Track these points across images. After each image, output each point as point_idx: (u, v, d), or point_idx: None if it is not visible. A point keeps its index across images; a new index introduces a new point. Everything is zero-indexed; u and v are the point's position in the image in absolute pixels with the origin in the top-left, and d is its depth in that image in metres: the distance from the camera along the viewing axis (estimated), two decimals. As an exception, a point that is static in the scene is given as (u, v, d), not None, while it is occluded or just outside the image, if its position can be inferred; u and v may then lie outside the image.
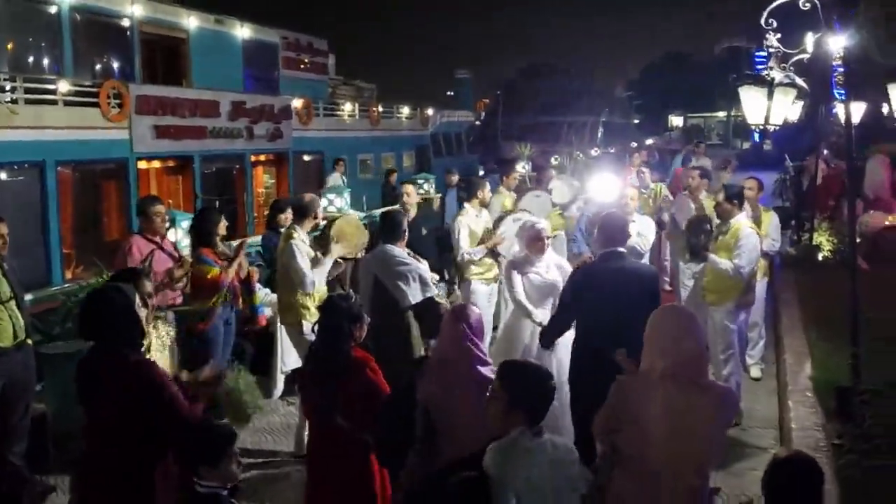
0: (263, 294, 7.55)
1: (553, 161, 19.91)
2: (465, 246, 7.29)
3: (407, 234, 5.74)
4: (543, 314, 5.59)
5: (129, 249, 6.25)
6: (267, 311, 7.38)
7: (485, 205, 7.89)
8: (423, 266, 5.58)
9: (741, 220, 6.20)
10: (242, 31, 18.61)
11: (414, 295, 5.30)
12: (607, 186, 8.04)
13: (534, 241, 5.86)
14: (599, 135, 40.51)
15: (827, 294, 8.86)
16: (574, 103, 41.92)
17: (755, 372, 7.41)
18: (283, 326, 7.02)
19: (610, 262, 4.70)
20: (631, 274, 4.65)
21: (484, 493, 2.88)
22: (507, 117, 40.52)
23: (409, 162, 25.96)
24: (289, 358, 6.97)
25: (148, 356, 3.97)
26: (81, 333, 3.67)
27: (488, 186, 8.02)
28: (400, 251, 5.47)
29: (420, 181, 14.34)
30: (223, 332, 6.46)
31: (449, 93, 46.04)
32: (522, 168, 16.00)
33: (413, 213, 8.04)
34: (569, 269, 5.73)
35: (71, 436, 5.29)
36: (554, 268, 5.87)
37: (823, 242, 11.77)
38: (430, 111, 29.12)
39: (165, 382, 3.37)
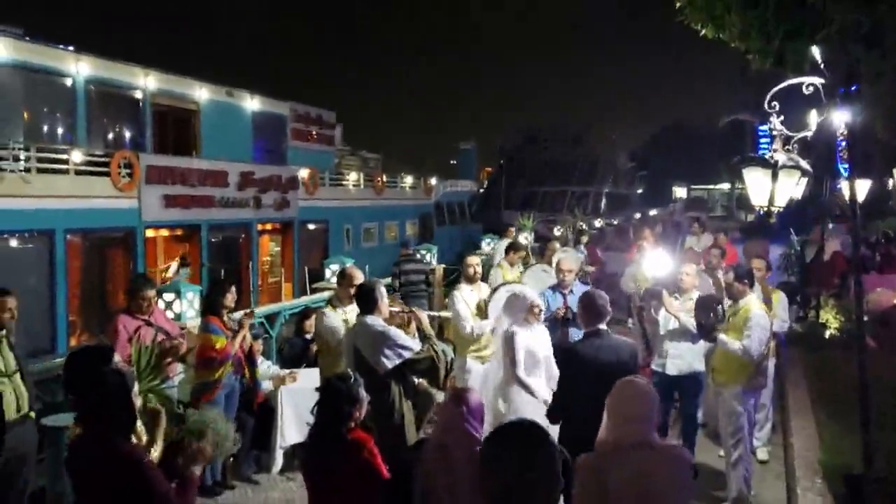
0: (266, 367, 7.51)
1: (556, 231, 19.98)
2: (470, 319, 7.09)
3: (383, 301, 5.63)
4: (537, 383, 5.71)
5: (115, 328, 6.16)
6: (267, 385, 7.32)
7: (474, 280, 7.60)
8: (400, 332, 5.50)
9: (751, 301, 6.18)
10: (252, 103, 19.02)
11: (392, 360, 5.26)
12: (661, 260, 7.92)
13: (529, 310, 5.94)
14: (603, 205, 40.77)
15: (835, 373, 8.76)
16: (577, 173, 42.32)
17: (762, 455, 7.26)
18: (283, 400, 6.97)
19: (593, 339, 4.92)
20: (611, 352, 4.85)
21: None
22: (509, 187, 40.88)
23: (413, 230, 26.15)
24: (289, 433, 6.90)
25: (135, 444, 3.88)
26: (74, 408, 3.57)
27: (476, 261, 7.73)
28: (375, 320, 5.44)
29: (423, 251, 14.43)
30: (224, 404, 6.39)
31: (452, 162, 46.67)
32: (525, 239, 16.07)
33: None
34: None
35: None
36: (546, 340, 5.93)
37: (830, 319, 11.70)
38: (433, 180, 29.45)
39: (154, 475, 3.29)
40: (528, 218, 20.45)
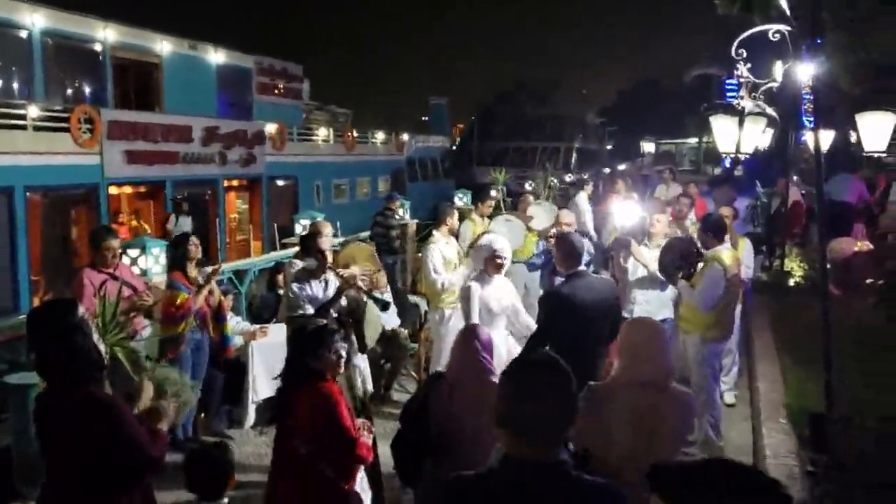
0: (234, 323, 7.45)
1: (528, 186, 19.97)
2: (444, 272, 7.10)
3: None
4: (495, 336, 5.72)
5: (80, 283, 6.04)
6: (238, 340, 7.28)
7: (454, 232, 7.81)
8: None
9: (717, 253, 6.10)
10: (216, 57, 18.59)
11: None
12: (630, 210, 7.93)
13: (490, 261, 5.85)
14: (573, 160, 40.79)
15: (799, 319, 8.92)
16: (547, 129, 42.23)
17: (729, 398, 7.41)
18: (254, 355, 6.95)
19: (577, 280, 4.99)
20: (590, 290, 4.93)
21: None
22: (481, 143, 40.74)
23: (384, 187, 26.01)
24: (261, 387, 6.88)
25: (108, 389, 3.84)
26: (37, 367, 3.52)
27: (456, 214, 7.87)
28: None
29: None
30: (192, 360, 6.35)
31: (424, 118, 46.24)
32: (497, 193, 16.02)
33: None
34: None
35: (37, 469, 5.15)
36: (509, 292, 5.91)
37: (794, 268, 11.90)
38: (405, 136, 29.20)
39: (125, 419, 3.26)
40: (501, 172, 20.39)
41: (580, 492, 2.27)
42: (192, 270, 6.53)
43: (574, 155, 42.63)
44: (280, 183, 20.13)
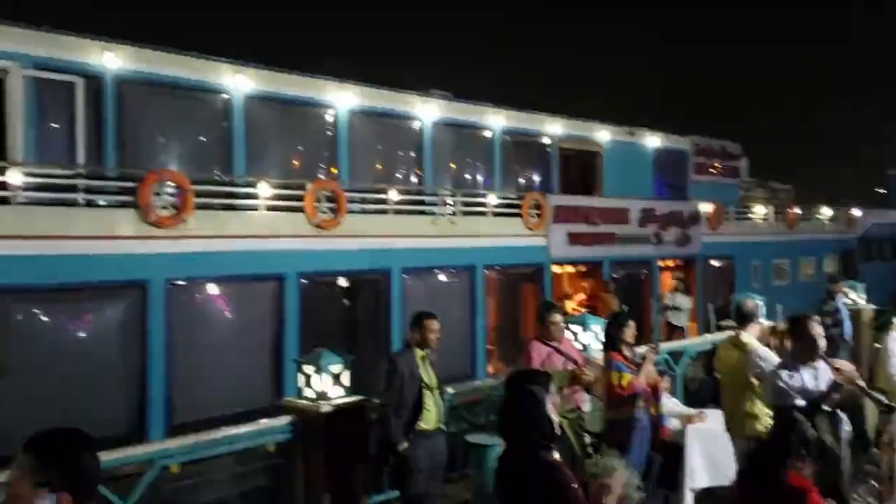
0: (672, 404, 7.35)
1: None
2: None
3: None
4: None
5: (528, 354, 6.65)
6: (674, 423, 7.15)
7: None
8: None
9: None
10: (653, 141, 19.10)
11: None
12: None
13: None
14: None
15: None
16: None
17: None
18: (691, 440, 6.74)
19: None
20: None
21: None
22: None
23: (832, 268, 23.63)
24: (698, 474, 6.62)
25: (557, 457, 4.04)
26: (499, 430, 3.89)
27: None
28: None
29: (847, 289, 12.96)
30: (640, 438, 6.41)
31: (880, 191, 41.20)
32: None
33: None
34: None
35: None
36: None
37: None
38: (857, 212, 26.35)
39: (572, 486, 3.41)
40: None
41: None
42: (627, 350, 6.66)
43: None
44: (716, 263, 19.60)
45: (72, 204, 9.25)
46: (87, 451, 2.44)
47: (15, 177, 8.73)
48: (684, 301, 16.36)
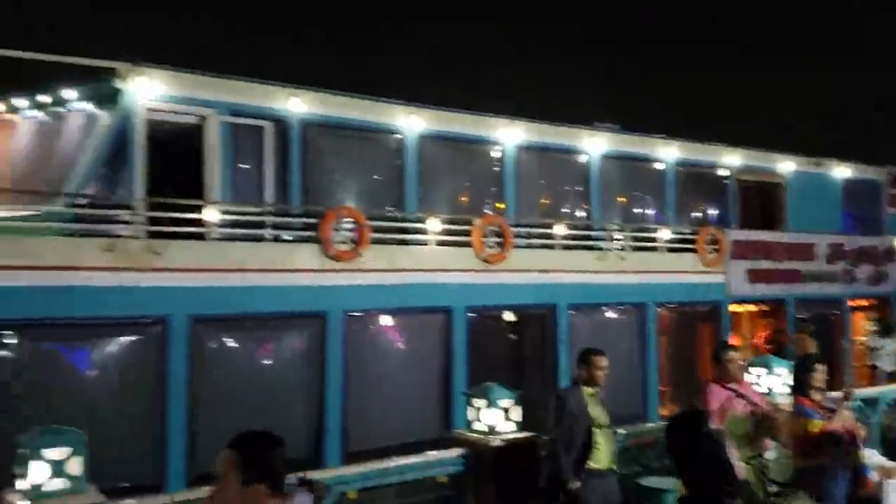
0: (870, 454, 6.72)
1: None
2: None
3: None
4: None
5: (706, 398, 6.34)
6: (874, 475, 6.52)
7: None
8: None
9: None
10: (842, 171, 17.81)
11: None
12: None
13: None
14: None
15: None
16: None
17: None
18: (890, 494, 6.17)
19: None
20: None
21: None
22: None
23: None
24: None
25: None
26: (679, 473, 3.70)
27: None
28: None
29: None
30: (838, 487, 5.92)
31: None
32: None
33: None
34: None
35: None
36: None
37: None
38: None
39: None
40: None
41: None
42: (817, 395, 6.22)
43: None
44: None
45: (260, 239, 9.93)
46: (277, 450, 3.27)
47: (212, 214, 9.50)
48: (888, 343, 15.08)
